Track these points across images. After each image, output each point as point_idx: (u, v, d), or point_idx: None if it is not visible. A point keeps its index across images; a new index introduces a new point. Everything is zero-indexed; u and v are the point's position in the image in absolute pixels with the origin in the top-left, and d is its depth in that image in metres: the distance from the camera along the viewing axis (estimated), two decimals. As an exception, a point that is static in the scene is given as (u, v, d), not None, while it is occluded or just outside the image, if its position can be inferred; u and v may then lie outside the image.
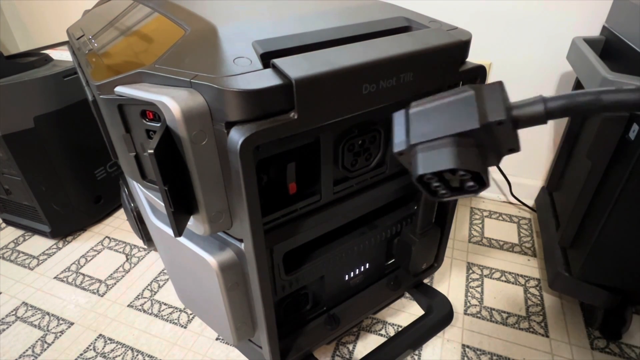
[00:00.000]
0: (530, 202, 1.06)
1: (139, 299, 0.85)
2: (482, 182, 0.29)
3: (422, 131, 0.29)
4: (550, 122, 0.96)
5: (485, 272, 0.88)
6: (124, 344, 0.75)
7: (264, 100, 0.35)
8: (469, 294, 0.82)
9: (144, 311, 0.82)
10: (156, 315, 0.81)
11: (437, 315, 0.74)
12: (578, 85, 0.79)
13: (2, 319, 0.82)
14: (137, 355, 0.73)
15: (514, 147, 0.29)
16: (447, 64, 0.45)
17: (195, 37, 0.42)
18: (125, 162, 0.50)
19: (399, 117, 0.32)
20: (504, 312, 0.78)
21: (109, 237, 1.03)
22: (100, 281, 0.90)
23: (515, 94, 0.95)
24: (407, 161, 0.31)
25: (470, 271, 0.88)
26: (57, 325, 0.80)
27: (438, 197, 0.31)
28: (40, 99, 0.86)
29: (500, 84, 0.28)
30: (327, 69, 0.36)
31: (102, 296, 0.86)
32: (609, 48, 0.73)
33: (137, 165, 0.44)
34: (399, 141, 0.31)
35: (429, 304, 0.76)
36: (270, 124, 0.35)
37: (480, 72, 0.48)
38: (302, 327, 0.62)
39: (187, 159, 0.37)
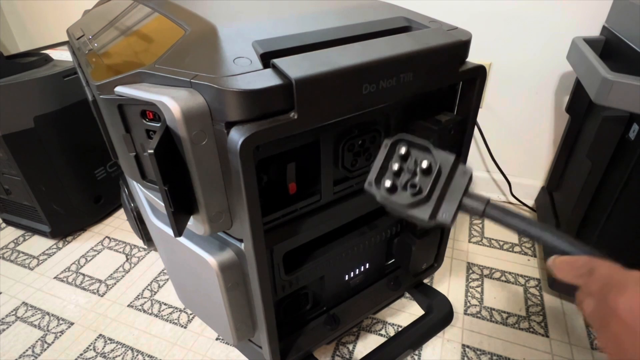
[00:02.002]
0: (530, 202, 1.06)
1: (139, 299, 0.85)
2: (420, 190, 0.36)
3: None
4: (550, 122, 0.96)
5: (485, 272, 0.88)
6: (124, 344, 0.75)
7: (264, 100, 0.35)
8: (469, 294, 0.82)
9: (144, 311, 0.82)
10: (156, 315, 0.81)
11: (437, 315, 0.74)
12: (578, 85, 0.79)
13: (2, 319, 0.82)
14: (137, 355, 0.73)
15: (446, 222, 0.35)
16: (447, 64, 0.45)
17: (195, 37, 0.42)
18: (125, 162, 0.50)
19: None
20: (504, 312, 0.79)
21: (109, 237, 1.03)
22: (100, 281, 0.90)
23: (516, 94, 0.95)
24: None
25: (470, 271, 0.88)
26: (57, 325, 0.80)
27: (378, 187, 0.37)
28: (40, 99, 0.86)
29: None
30: (327, 69, 0.36)
31: (102, 296, 0.86)
32: (609, 48, 0.73)
33: (137, 165, 0.44)
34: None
35: (429, 304, 0.76)
36: (270, 124, 0.35)
37: (480, 72, 0.48)
38: (302, 327, 0.62)
39: (187, 159, 0.37)
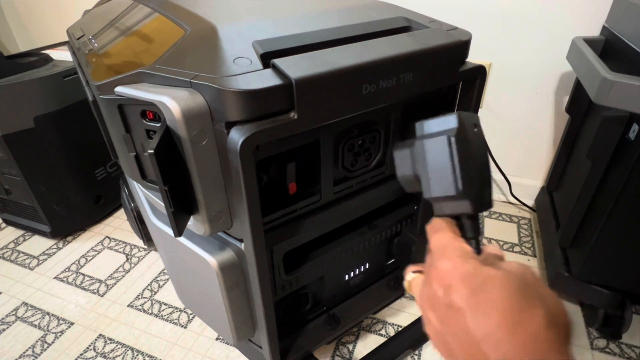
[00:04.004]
0: (530, 202, 1.06)
1: (139, 299, 0.85)
2: None
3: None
4: (550, 122, 0.96)
5: (485, 272, 0.88)
6: (124, 344, 0.75)
7: (264, 101, 0.35)
8: (469, 294, 0.82)
9: (144, 311, 0.82)
10: (156, 315, 0.81)
11: (437, 315, 0.74)
12: (578, 85, 0.79)
13: (2, 319, 0.82)
14: (137, 355, 0.73)
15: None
16: (447, 64, 0.45)
17: (195, 37, 0.42)
18: (125, 162, 0.50)
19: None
20: (504, 312, 0.78)
21: (109, 237, 1.03)
22: (100, 281, 0.90)
23: (516, 94, 0.95)
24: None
25: (470, 271, 0.88)
26: (57, 325, 0.80)
27: None
28: (40, 99, 0.86)
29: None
30: (327, 69, 0.36)
31: (102, 296, 0.86)
32: (609, 48, 0.73)
33: (137, 165, 0.44)
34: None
35: (429, 304, 0.76)
36: (270, 124, 0.35)
37: (480, 72, 0.48)
38: (302, 327, 0.62)
39: (187, 159, 0.37)
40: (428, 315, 0.30)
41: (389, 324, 0.77)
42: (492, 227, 1.01)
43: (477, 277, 0.26)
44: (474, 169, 0.31)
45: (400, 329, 0.75)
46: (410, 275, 0.35)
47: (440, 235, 0.32)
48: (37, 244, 1.01)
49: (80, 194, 1.00)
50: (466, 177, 0.31)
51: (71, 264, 0.95)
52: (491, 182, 0.34)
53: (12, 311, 0.83)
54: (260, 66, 0.37)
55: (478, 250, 0.31)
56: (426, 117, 0.49)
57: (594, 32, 0.79)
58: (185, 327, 0.78)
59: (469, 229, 0.32)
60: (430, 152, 0.33)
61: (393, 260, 0.69)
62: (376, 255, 0.65)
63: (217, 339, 0.76)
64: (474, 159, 0.32)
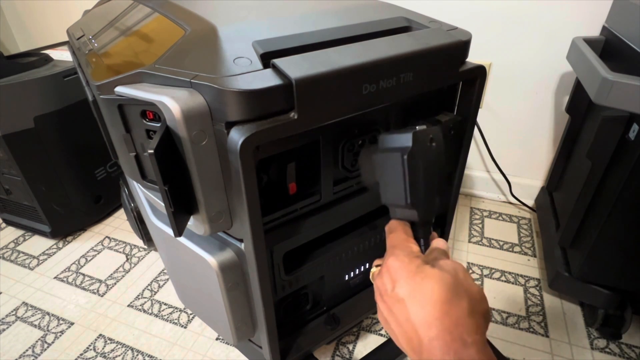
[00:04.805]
0: (530, 202, 1.06)
1: (139, 299, 0.85)
2: None
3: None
4: (550, 122, 0.96)
5: (485, 272, 0.88)
6: (124, 344, 0.75)
7: (264, 101, 0.35)
8: (469, 294, 0.82)
9: (144, 311, 0.82)
10: (156, 315, 0.81)
11: (437, 315, 0.74)
12: (578, 85, 0.79)
13: (2, 319, 0.82)
14: (137, 355, 0.73)
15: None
16: (447, 64, 0.45)
17: (195, 37, 0.42)
18: (125, 162, 0.50)
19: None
20: (504, 312, 0.79)
21: (109, 237, 1.03)
22: (100, 281, 0.90)
23: (516, 94, 0.95)
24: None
25: (470, 271, 0.88)
26: (57, 325, 0.80)
27: None
28: (40, 99, 0.86)
29: None
30: (327, 69, 0.36)
31: (102, 296, 0.86)
32: (609, 48, 0.73)
33: (137, 165, 0.44)
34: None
35: (429, 304, 0.76)
36: (270, 124, 0.35)
37: (480, 72, 0.48)
38: (302, 327, 0.62)
39: (187, 159, 0.37)
40: (379, 304, 0.34)
41: (389, 324, 0.77)
42: (492, 227, 1.01)
43: (418, 275, 0.32)
44: (423, 184, 0.36)
45: (400, 329, 0.75)
46: (374, 268, 0.40)
47: (394, 236, 0.37)
48: (37, 244, 1.02)
49: (80, 194, 1.00)
50: (414, 192, 0.36)
51: (71, 264, 0.95)
52: (444, 190, 0.39)
53: (12, 311, 0.83)
54: (260, 66, 0.37)
55: (425, 248, 0.37)
56: (425, 116, 0.49)
57: (594, 32, 0.79)
58: (185, 327, 0.78)
59: (418, 231, 0.38)
60: (385, 165, 0.37)
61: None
62: (376, 255, 0.65)
63: (217, 339, 0.76)
64: (425, 174, 0.36)
